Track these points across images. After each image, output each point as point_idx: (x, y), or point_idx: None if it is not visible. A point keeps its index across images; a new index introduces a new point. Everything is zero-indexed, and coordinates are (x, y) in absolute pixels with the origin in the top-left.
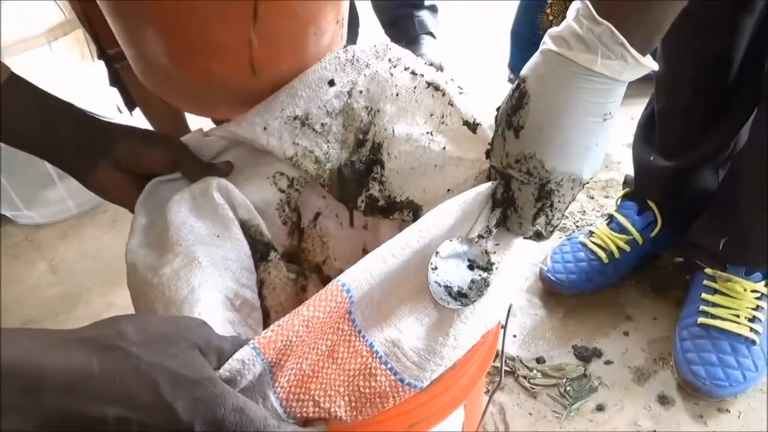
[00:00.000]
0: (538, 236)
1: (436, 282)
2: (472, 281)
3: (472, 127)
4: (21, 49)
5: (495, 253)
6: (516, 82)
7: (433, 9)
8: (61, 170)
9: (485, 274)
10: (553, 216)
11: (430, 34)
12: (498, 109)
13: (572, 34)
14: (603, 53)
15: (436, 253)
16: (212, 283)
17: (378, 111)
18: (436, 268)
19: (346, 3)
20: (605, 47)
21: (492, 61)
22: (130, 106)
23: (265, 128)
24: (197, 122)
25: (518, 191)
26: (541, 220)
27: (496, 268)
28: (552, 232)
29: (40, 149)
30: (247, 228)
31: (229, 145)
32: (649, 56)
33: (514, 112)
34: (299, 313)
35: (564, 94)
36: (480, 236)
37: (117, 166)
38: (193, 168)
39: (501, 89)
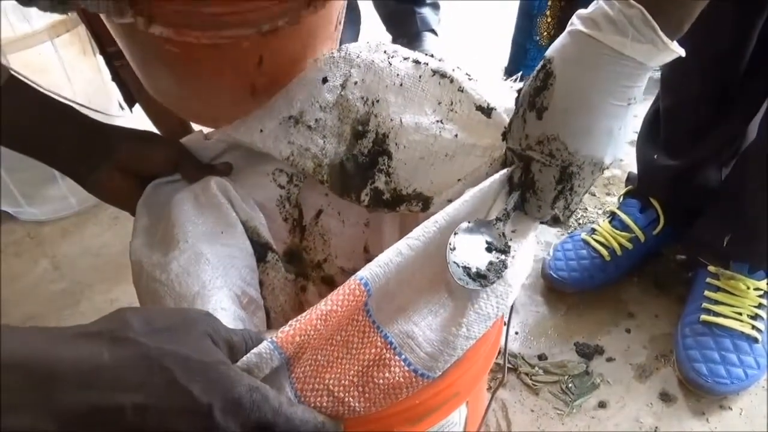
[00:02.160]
0: (555, 221)
1: (454, 262)
2: (490, 263)
3: (487, 111)
4: (23, 46)
5: (512, 240)
6: (541, 62)
7: (434, 6)
8: (63, 174)
9: (503, 257)
10: (572, 200)
11: (432, 31)
12: (519, 91)
13: (603, 15)
14: (633, 36)
15: (455, 233)
16: (221, 279)
17: (377, 101)
18: (454, 248)
19: (340, 24)
20: (636, 30)
21: (494, 59)
22: (130, 103)
23: (261, 131)
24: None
25: (539, 173)
26: (560, 203)
27: (513, 257)
28: (569, 217)
29: (39, 152)
30: (245, 229)
31: (228, 147)
32: (676, 42)
33: (537, 93)
34: (318, 308)
35: (591, 76)
36: (498, 219)
37: (117, 168)
38: (193, 169)
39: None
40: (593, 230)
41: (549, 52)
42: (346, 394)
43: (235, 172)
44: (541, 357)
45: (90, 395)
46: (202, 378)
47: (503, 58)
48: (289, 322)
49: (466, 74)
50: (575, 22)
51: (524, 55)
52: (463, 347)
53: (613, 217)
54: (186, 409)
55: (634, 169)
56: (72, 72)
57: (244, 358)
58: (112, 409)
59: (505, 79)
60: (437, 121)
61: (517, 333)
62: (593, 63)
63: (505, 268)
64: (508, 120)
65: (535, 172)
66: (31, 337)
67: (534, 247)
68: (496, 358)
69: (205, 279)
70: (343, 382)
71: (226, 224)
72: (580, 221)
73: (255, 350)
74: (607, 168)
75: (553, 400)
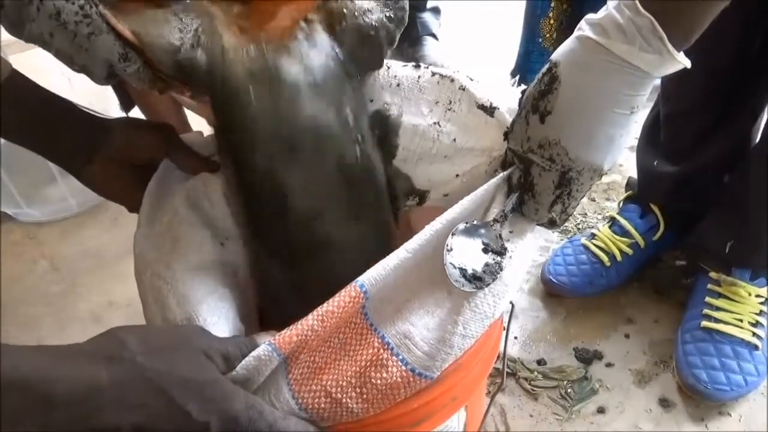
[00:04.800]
0: (552, 224)
1: (451, 263)
2: (486, 264)
3: (490, 110)
4: (24, 47)
5: (509, 241)
6: (547, 66)
7: (435, 11)
8: (60, 167)
9: (499, 258)
10: (569, 204)
11: (433, 35)
12: (523, 93)
13: (612, 22)
14: (641, 45)
15: (452, 234)
16: (228, 289)
17: (371, 101)
18: (451, 249)
19: None
20: (644, 40)
21: (496, 63)
22: (128, 107)
23: None
24: (198, 123)
25: (538, 177)
26: (558, 207)
27: (510, 257)
28: (566, 220)
29: (38, 146)
30: None
31: None
32: (682, 53)
33: (542, 97)
34: (315, 311)
35: (596, 83)
36: (495, 220)
37: (112, 157)
38: (183, 153)
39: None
40: (593, 235)
41: (555, 56)
42: (344, 396)
43: None
44: (540, 362)
45: (88, 416)
46: (199, 397)
47: (505, 62)
48: (288, 327)
49: (467, 76)
50: (583, 27)
51: (528, 58)
52: (461, 346)
53: (613, 222)
54: (184, 428)
55: (634, 174)
56: (73, 74)
57: (243, 362)
58: (111, 429)
59: (512, 84)
60: (434, 123)
61: (516, 338)
62: (599, 70)
63: (501, 270)
64: (510, 120)
65: (534, 175)
66: (29, 357)
67: (532, 247)
68: (495, 362)
69: (211, 285)
70: (340, 383)
71: (228, 233)
72: (580, 226)
73: (254, 353)
74: (605, 173)
75: (552, 405)
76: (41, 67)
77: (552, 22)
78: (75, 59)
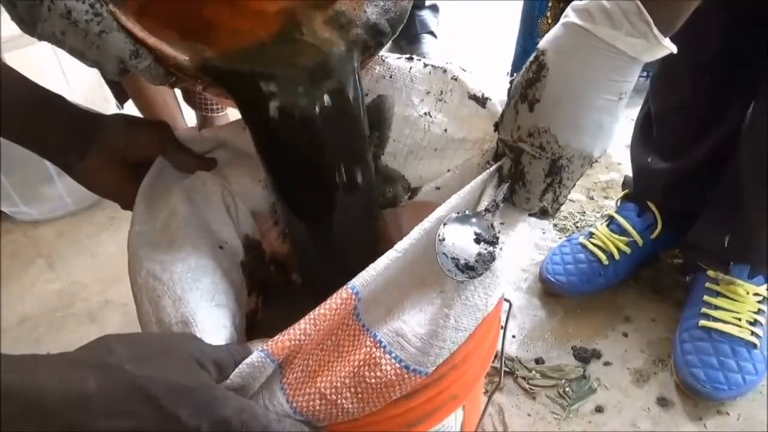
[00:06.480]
0: (544, 213)
1: (443, 253)
2: (479, 254)
3: (482, 101)
4: (21, 44)
5: (500, 232)
6: (534, 54)
7: (434, 8)
8: (53, 164)
9: (491, 248)
10: (560, 193)
11: (431, 33)
12: (511, 82)
13: (598, 7)
14: (627, 30)
15: (444, 224)
16: (225, 296)
17: (366, 94)
18: (443, 239)
19: None
20: (630, 24)
21: (494, 62)
22: (122, 99)
23: (244, 128)
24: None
25: (528, 165)
26: (549, 196)
27: (501, 249)
28: (557, 209)
29: (29, 141)
30: (249, 241)
31: (218, 145)
32: (668, 39)
33: (530, 85)
34: (308, 315)
35: (583, 69)
36: (486, 210)
37: (106, 154)
38: (178, 151)
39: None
40: (591, 234)
41: (542, 44)
42: (339, 396)
43: (228, 179)
44: (539, 361)
45: (80, 424)
46: (190, 402)
47: (503, 61)
48: (281, 332)
49: (460, 67)
50: (570, 14)
51: (525, 57)
52: (454, 339)
53: (610, 220)
54: None
55: (631, 172)
56: (69, 72)
57: (237, 369)
58: None
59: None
60: (425, 114)
61: (514, 336)
62: (586, 55)
63: (494, 259)
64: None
65: (525, 164)
66: (20, 366)
67: (524, 239)
68: (493, 361)
69: (208, 291)
70: (335, 384)
71: (225, 238)
72: (578, 224)
73: (247, 361)
74: (596, 161)
75: (550, 404)
76: (37, 66)
77: (549, 21)
78: (87, 55)
